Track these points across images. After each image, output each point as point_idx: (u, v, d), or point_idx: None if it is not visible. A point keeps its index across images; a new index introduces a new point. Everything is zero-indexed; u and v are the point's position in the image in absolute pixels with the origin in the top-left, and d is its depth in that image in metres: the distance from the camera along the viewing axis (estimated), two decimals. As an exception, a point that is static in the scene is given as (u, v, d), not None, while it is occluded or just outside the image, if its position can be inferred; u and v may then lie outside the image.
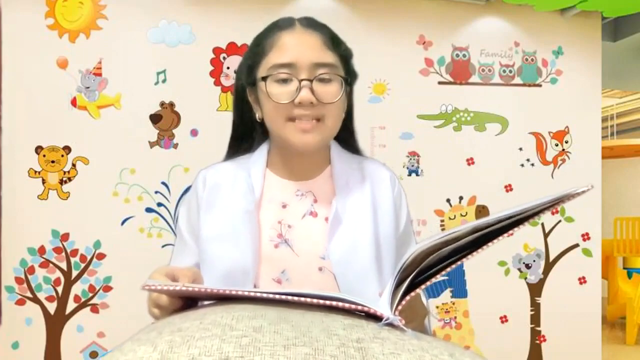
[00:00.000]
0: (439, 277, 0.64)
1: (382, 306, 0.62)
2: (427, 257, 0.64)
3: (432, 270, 0.65)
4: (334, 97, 0.91)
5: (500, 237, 0.63)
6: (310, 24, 0.95)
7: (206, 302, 0.75)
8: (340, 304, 0.62)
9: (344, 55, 0.96)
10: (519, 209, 0.62)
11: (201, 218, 0.95)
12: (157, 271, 0.79)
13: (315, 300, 0.62)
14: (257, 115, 0.97)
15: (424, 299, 0.93)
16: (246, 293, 0.65)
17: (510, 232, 0.63)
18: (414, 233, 1.05)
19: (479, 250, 0.64)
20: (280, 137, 0.94)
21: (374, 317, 0.62)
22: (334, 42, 0.95)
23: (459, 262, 0.64)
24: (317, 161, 0.98)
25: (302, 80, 0.89)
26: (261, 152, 1.00)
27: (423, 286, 0.64)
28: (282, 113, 0.91)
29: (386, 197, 0.98)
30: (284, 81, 0.90)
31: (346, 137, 1.04)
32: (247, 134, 1.04)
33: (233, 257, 0.90)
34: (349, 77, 0.97)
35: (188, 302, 0.76)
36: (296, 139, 0.91)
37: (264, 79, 0.91)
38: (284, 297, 0.62)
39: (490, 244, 0.63)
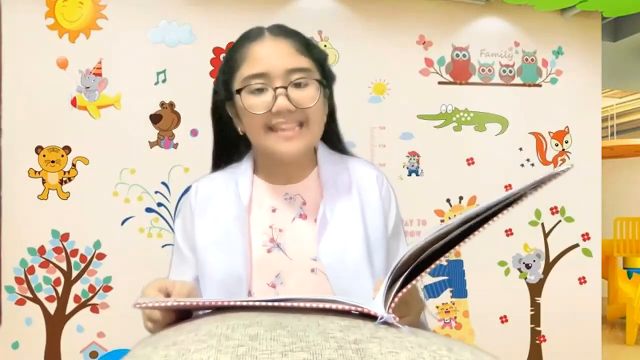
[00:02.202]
0: (429, 270, 0.64)
1: (376, 305, 0.62)
2: (420, 255, 0.65)
3: (424, 265, 0.66)
4: (311, 101, 0.90)
5: (487, 225, 0.64)
6: (281, 31, 0.94)
7: (201, 312, 0.75)
8: (334, 305, 0.62)
9: (319, 58, 0.96)
10: (504, 196, 0.64)
11: (195, 228, 0.95)
12: (150, 285, 0.79)
13: (309, 304, 0.62)
14: (239, 129, 0.97)
15: (421, 294, 0.92)
16: (239, 303, 0.65)
17: (497, 217, 0.65)
18: (405, 233, 1.04)
19: (467, 239, 0.64)
20: (263, 147, 0.94)
21: (370, 317, 0.62)
22: (307, 47, 0.94)
23: (447, 254, 0.65)
24: (304, 164, 0.98)
25: (276, 88, 0.88)
26: (248, 160, 1.01)
27: (414, 281, 0.64)
28: (261, 123, 0.90)
29: (373, 196, 0.97)
30: (260, 91, 0.89)
31: (331, 139, 1.03)
32: (230, 148, 1.03)
33: (226, 264, 0.90)
34: (326, 80, 0.96)
35: (182, 314, 0.76)
36: (280, 148, 0.91)
37: (239, 91, 0.90)
38: (277, 304, 0.62)
39: (477, 232, 0.64)
